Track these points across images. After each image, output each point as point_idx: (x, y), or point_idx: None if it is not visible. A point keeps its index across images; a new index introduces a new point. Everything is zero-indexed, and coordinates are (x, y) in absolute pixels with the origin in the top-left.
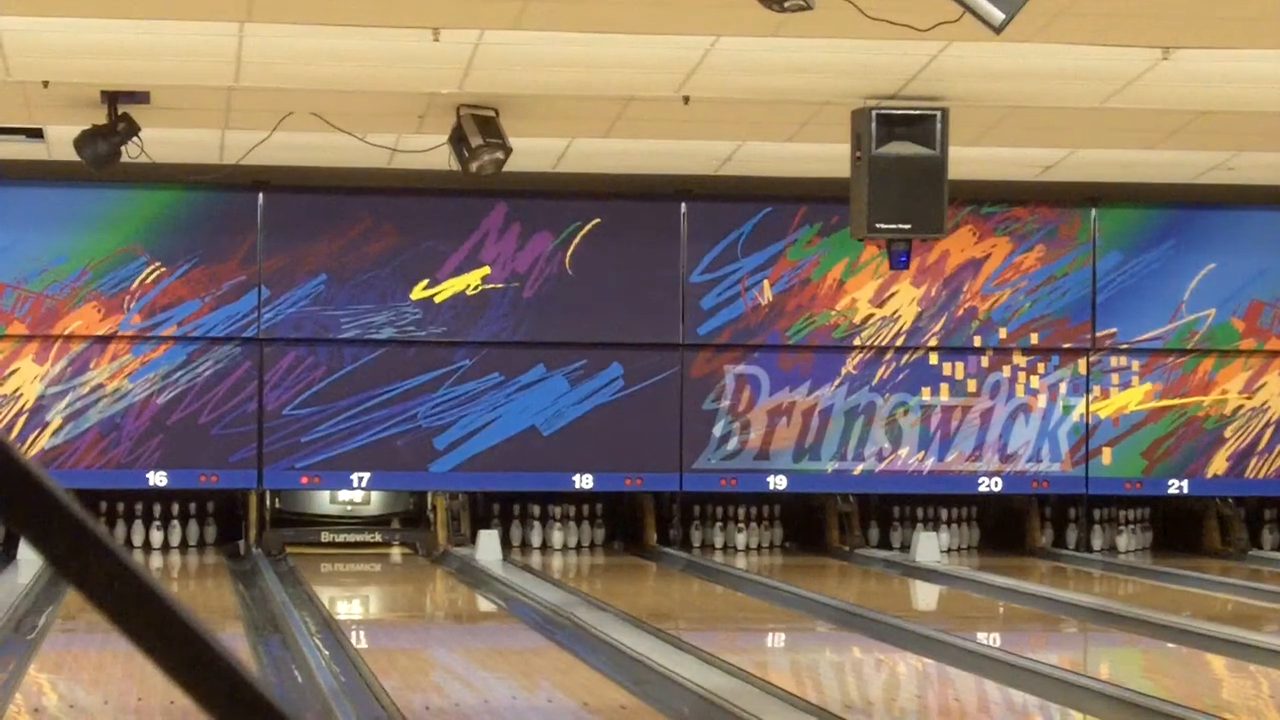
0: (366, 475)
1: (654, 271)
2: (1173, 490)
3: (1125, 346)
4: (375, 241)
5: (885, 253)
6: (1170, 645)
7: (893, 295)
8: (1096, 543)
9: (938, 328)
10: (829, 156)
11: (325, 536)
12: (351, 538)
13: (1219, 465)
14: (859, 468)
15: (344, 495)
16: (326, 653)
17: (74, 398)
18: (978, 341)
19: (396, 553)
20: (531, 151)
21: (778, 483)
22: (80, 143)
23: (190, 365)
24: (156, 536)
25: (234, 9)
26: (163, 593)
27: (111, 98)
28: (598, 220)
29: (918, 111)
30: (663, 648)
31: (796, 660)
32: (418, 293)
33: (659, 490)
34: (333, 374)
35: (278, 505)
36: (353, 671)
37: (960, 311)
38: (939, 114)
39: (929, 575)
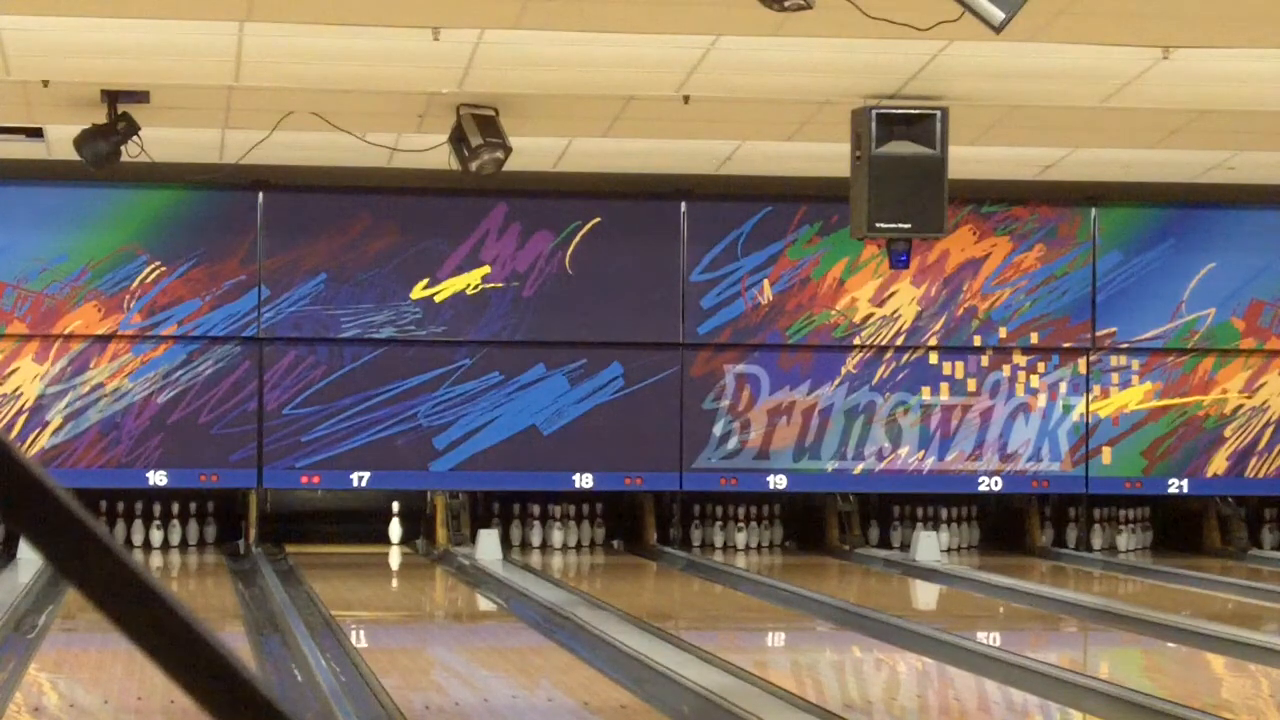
0: (366, 475)
1: (654, 271)
2: (1173, 490)
3: (1125, 346)
4: (375, 241)
5: (885, 252)
6: (1170, 645)
7: (893, 295)
8: (1096, 542)
9: (938, 327)
10: (829, 156)
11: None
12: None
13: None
14: (859, 467)
15: None
16: (326, 652)
17: (74, 397)
18: (978, 341)
19: (396, 552)
20: (531, 151)
21: (778, 482)
22: (80, 142)
23: (190, 364)
24: (156, 536)
25: (234, 8)
26: (163, 592)
27: (111, 97)
28: (598, 220)
29: (918, 111)
30: (663, 647)
31: (796, 660)
32: (418, 292)
33: (659, 490)
34: (333, 373)
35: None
36: (353, 671)
37: (960, 311)
38: (939, 114)
39: (929, 575)
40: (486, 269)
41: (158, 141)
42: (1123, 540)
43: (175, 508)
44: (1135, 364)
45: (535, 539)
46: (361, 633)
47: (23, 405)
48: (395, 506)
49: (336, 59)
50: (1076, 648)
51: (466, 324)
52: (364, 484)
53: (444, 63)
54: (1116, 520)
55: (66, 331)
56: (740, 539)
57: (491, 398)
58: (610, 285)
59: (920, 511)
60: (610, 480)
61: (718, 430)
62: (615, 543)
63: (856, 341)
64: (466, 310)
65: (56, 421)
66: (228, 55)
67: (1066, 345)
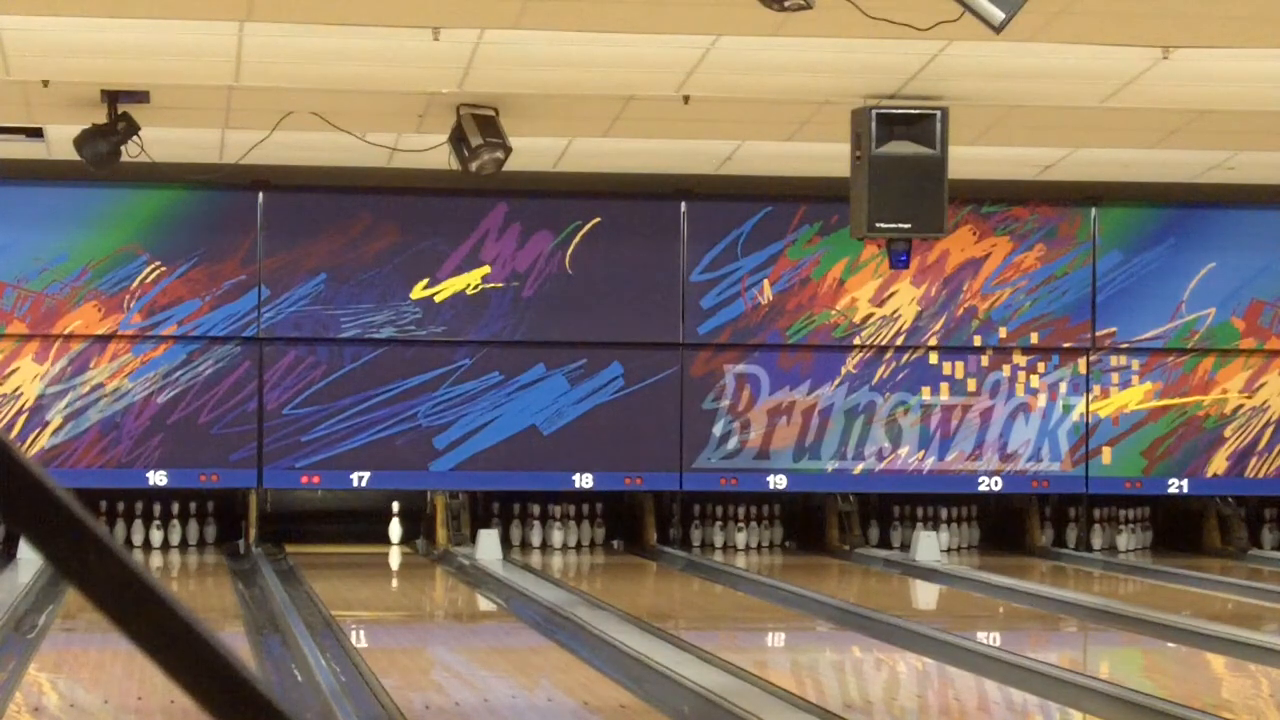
0: (366, 475)
1: (654, 271)
2: (1172, 490)
3: (1125, 346)
4: (375, 241)
5: (885, 252)
6: (1170, 645)
7: (893, 295)
8: (1096, 542)
9: (938, 327)
10: (829, 156)
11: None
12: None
13: (1219, 465)
14: (859, 467)
15: None
16: (327, 652)
17: (74, 397)
18: (978, 341)
19: (396, 552)
20: (531, 151)
21: (778, 482)
22: (80, 142)
23: (190, 365)
24: (156, 536)
25: (234, 8)
26: (163, 592)
27: (111, 97)
28: (598, 220)
29: (918, 111)
30: (662, 647)
31: (796, 660)
32: (418, 292)
33: (659, 490)
34: (333, 373)
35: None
36: (353, 671)
37: (960, 311)
38: (939, 114)
39: (929, 575)
40: (486, 269)
41: (158, 141)
42: (1123, 540)
43: (175, 508)
44: (1135, 364)
45: (535, 539)
46: (361, 633)
47: (23, 405)
48: (395, 506)
49: (336, 59)
50: (1076, 648)
51: (466, 324)
52: (364, 484)
53: (444, 63)
54: (1116, 520)
55: (66, 331)
56: (740, 539)
57: (491, 398)
58: (610, 285)
59: (920, 511)
60: (610, 480)
61: (718, 430)
62: (615, 543)
63: (856, 341)
64: (466, 310)
65: (56, 421)
66: (228, 55)
67: (1066, 345)
